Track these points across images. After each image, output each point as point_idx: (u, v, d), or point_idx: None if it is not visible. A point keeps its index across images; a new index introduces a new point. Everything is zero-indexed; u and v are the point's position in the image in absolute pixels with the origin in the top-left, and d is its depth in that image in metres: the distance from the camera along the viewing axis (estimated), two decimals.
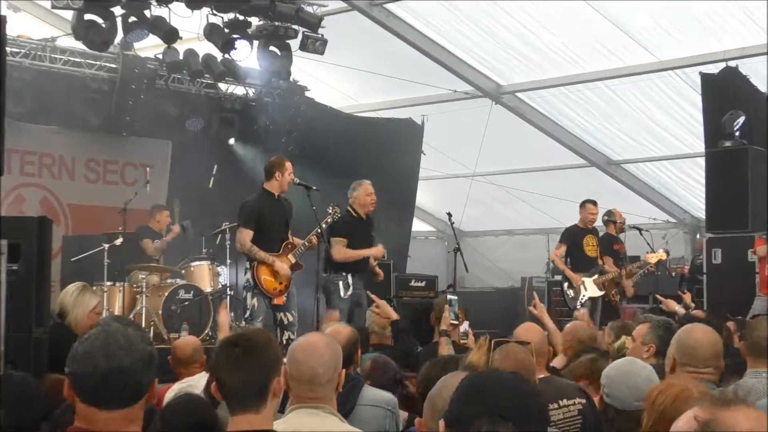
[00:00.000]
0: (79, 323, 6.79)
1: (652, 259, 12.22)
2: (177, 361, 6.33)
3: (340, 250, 10.19)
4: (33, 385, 4.69)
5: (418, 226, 18.95)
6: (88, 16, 11.69)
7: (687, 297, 10.80)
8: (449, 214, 12.03)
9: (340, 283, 10.20)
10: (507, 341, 4.95)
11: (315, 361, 3.78)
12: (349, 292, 10.24)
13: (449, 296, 6.85)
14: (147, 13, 12.01)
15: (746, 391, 4.47)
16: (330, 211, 9.74)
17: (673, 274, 15.09)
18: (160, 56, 13.31)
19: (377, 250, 10.62)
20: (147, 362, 2.90)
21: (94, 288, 11.07)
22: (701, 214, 16.02)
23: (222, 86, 14.70)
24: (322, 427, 3.74)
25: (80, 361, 2.86)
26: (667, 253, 13.18)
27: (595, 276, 12.18)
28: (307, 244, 9.58)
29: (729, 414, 2.13)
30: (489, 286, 18.93)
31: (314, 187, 9.79)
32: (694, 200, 17.05)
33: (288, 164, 9.60)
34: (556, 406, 4.90)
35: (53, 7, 11.45)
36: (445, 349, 7.00)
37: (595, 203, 12.71)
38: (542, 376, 5.12)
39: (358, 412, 4.83)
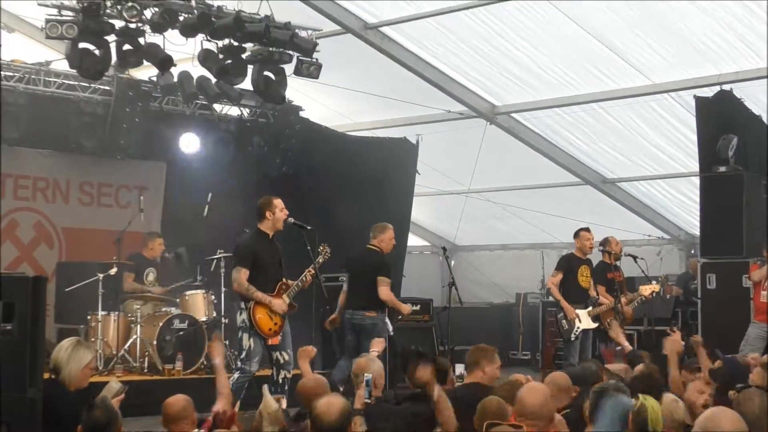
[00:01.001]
0: (73, 379, 6.74)
1: (646, 291, 12.20)
2: (167, 419, 6.29)
3: (389, 292, 10.97)
4: None
5: (413, 240, 18.94)
6: (82, 45, 11.64)
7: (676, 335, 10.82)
8: (444, 249, 12.09)
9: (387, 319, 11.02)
10: (500, 424, 4.97)
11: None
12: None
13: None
14: (141, 40, 11.95)
15: None
16: (321, 250, 9.73)
17: (668, 295, 15.14)
18: (155, 78, 13.27)
19: (407, 308, 11.46)
20: None
21: (89, 317, 11.20)
22: (695, 231, 16.04)
23: (216, 107, 14.66)
24: None
25: None
26: (666, 279, 13.19)
27: (589, 308, 12.17)
28: (300, 284, 9.57)
29: None
30: (484, 302, 18.96)
31: (309, 227, 9.79)
32: (689, 217, 17.08)
33: (277, 201, 9.55)
34: None
35: (47, 37, 11.36)
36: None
37: (588, 230, 12.63)
38: None
39: None
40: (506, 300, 18.75)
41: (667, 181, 16.51)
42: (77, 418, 5.66)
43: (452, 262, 12.48)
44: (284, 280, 9.58)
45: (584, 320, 12.07)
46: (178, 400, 6.46)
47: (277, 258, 9.58)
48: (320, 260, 9.68)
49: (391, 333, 11.19)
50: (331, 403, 5.12)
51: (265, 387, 6.46)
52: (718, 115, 13.20)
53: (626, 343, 11.25)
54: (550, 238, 18.54)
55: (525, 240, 19.38)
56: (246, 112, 14.97)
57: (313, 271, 9.51)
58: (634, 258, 12.62)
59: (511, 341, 17.83)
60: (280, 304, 9.40)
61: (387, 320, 10.95)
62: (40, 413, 6.38)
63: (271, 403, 5.57)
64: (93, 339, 11.42)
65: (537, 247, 18.97)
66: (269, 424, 4.96)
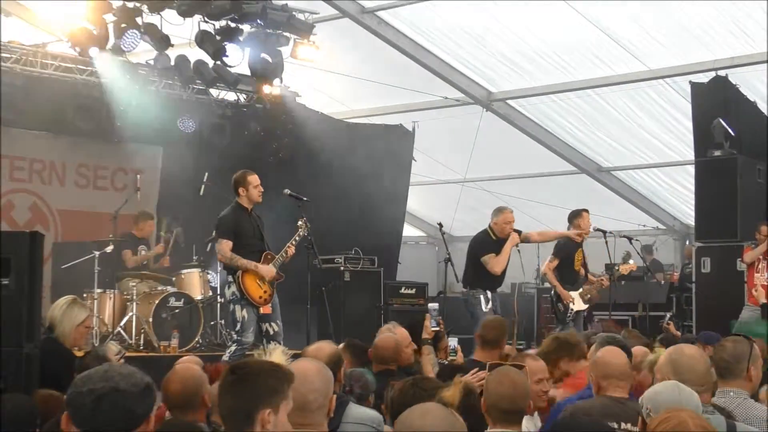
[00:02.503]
0: (67, 337, 6.78)
1: (625, 270, 12.28)
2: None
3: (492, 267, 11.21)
4: (29, 405, 4.71)
5: (408, 231, 18.97)
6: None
7: (671, 328, 10.89)
8: (440, 225, 12.05)
9: (482, 297, 11.11)
10: (502, 364, 4.98)
11: (306, 388, 3.80)
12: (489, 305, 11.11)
13: (429, 305, 6.87)
14: (139, 20, 11.99)
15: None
16: (299, 225, 9.71)
17: (662, 282, 15.18)
18: (152, 62, 13.29)
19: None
20: (143, 391, 2.93)
21: (85, 296, 11.19)
22: (690, 221, 16.07)
23: (213, 92, 14.67)
24: None
25: (78, 385, 2.90)
26: (628, 256, 13.23)
27: (580, 290, 12.19)
28: (283, 255, 9.58)
29: None
30: None
31: (305, 198, 9.80)
32: (684, 207, 17.11)
33: (251, 178, 9.50)
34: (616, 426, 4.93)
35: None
36: (428, 359, 6.97)
37: (588, 211, 12.60)
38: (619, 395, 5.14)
39: (343, 430, 4.84)
40: (501, 290, 18.69)
41: (663, 170, 16.55)
42: (73, 375, 5.68)
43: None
44: (268, 251, 9.59)
45: (577, 302, 12.12)
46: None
47: (258, 231, 9.58)
48: (300, 233, 9.65)
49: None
50: (320, 349, 5.26)
51: (280, 347, 6.42)
52: (714, 101, 13.25)
53: None
54: (545, 228, 18.52)
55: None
56: (243, 97, 14.97)
57: (294, 244, 9.53)
58: (630, 239, 12.63)
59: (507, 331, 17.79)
60: (268, 269, 9.41)
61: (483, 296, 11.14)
62: (37, 368, 6.40)
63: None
64: (92, 326, 11.39)
65: None
66: None
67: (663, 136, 15.26)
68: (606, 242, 12.39)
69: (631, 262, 12.56)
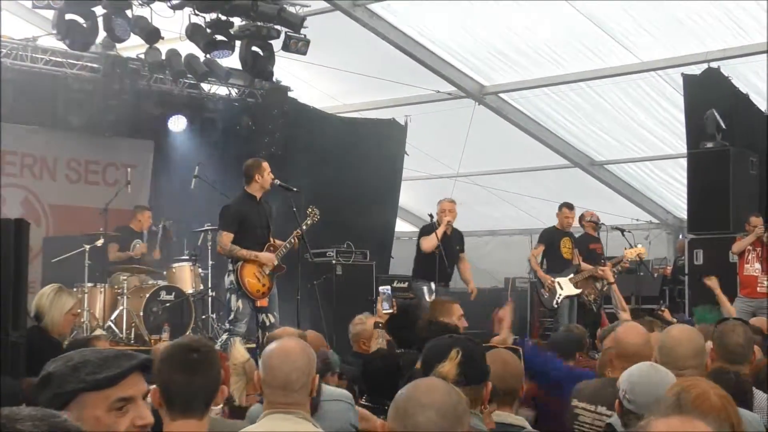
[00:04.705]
0: (56, 325, 6.76)
1: (632, 254, 12.33)
2: None
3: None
4: (13, 388, 4.68)
5: (401, 226, 18.94)
6: (69, 16, 11.60)
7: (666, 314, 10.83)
8: (431, 215, 12.11)
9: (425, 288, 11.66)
10: (495, 347, 4.97)
11: (289, 367, 3.77)
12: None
13: (380, 288, 6.85)
14: (129, 12, 11.94)
15: None
16: (309, 212, 9.74)
17: (655, 274, 15.18)
18: (143, 56, 13.24)
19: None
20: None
21: (76, 289, 11.15)
22: (684, 215, 16.05)
23: (204, 86, 14.65)
24: None
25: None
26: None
27: (571, 275, 12.29)
28: (288, 245, 9.57)
29: (657, 422, 2.14)
30: None
31: (295, 189, 9.79)
32: (677, 201, 17.09)
33: (265, 164, 9.60)
34: (591, 408, 4.90)
35: (34, 6, 11.40)
36: (375, 343, 6.94)
37: (570, 207, 12.90)
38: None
39: (324, 408, 4.88)
40: (495, 285, 18.71)
41: (656, 163, 16.54)
42: None
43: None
44: (272, 240, 9.58)
45: (566, 287, 12.22)
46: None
47: (264, 220, 9.59)
48: (308, 222, 9.67)
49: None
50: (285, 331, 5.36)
51: (237, 339, 6.43)
52: (706, 93, 13.23)
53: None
54: (538, 223, 18.47)
55: (513, 225, 19.39)
56: (234, 91, 14.95)
57: (300, 233, 9.50)
58: (622, 231, 12.70)
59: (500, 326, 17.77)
60: (269, 256, 9.40)
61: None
62: (24, 357, 6.38)
63: (240, 353, 5.28)
64: (80, 311, 11.36)
65: (525, 233, 18.94)
66: (236, 375, 4.79)
67: (655, 129, 15.24)
68: (625, 238, 12.59)
69: (639, 246, 12.60)
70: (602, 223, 13.18)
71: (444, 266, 11.65)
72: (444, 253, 11.60)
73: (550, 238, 12.75)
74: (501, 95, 15.56)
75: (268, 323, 9.46)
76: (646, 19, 12.91)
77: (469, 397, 3.49)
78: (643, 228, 17.69)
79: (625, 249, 12.48)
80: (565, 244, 12.61)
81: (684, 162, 14.32)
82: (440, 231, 11.60)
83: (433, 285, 11.51)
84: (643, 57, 13.65)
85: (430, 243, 11.58)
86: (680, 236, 17.46)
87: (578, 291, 12.28)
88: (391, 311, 7.03)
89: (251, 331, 9.84)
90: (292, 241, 9.57)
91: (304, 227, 9.59)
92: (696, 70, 13.27)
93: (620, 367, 5.05)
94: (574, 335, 7.72)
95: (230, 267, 9.45)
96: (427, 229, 11.94)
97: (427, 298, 11.21)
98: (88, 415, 2.58)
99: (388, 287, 7.15)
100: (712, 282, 10.70)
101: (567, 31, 13.55)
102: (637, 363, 4.88)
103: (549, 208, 16.52)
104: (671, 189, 17.02)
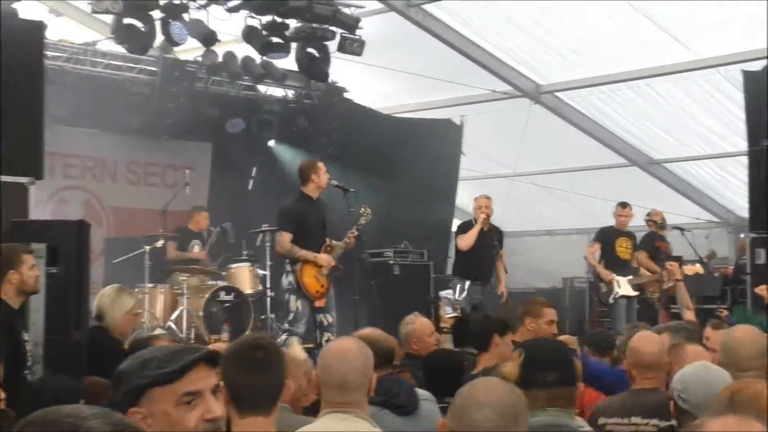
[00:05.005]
0: (117, 325, 6.84)
1: (689, 271, 12.15)
2: None
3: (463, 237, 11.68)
4: (72, 387, 4.75)
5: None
6: (127, 21, 11.77)
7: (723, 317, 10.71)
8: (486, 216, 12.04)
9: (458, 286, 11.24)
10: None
11: (345, 367, 3.78)
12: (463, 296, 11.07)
13: (441, 292, 6.84)
14: (185, 16, 12.08)
15: None
16: (362, 212, 9.75)
17: (716, 274, 14.99)
18: (200, 59, 13.39)
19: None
20: None
21: (137, 290, 11.29)
22: (745, 214, 15.81)
23: (261, 88, 14.79)
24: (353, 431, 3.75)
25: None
26: (713, 254, 13.06)
27: (630, 276, 12.14)
28: (344, 246, 9.61)
29: (712, 421, 2.12)
30: (530, 287, 18.80)
31: (351, 189, 9.82)
32: (738, 199, 16.83)
33: (320, 165, 9.65)
34: (625, 421, 4.87)
35: (93, 12, 11.56)
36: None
37: (624, 206, 12.73)
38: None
39: (420, 408, 5.01)
40: (553, 285, 18.62)
41: (716, 161, 16.32)
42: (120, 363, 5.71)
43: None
44: (329, 241, 9.62)
45: (624, 286, 12.09)
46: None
47: (321, 220, 9.64)
48: (362, 221, 9.70)
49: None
50: (369, 335, 5.33)
51: (295, 339, 6.49)
52: (766, 89, 13.02)
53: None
54: (596, 223, 18.32)
55: (571, 225, 19.23)
56: (290, 93, 15.05)
57: (356, 233, 9.53)
58: (681, 230, 12.57)
59: (558, 326, 17.68)
60: (327, 258, 9.44)
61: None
62: (85, 356, 6.48)
63: (298, 353, 5.33)
64: (140, 311, 11.50)
65: (583, 233, 18.81)
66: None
67: (715, 126, 15.03)
68: (685, 237, 12.50)
69: (697, 265, 12.41)
70: (669, 225, 13.02)
71: (484, 266, 11.53)
72: (481, 251, 11.45)
73: (606, 237, 12.60)
74: (557, 94, 15.46)
75: (326, 323, 9.51)
76: (703, 15, 12.75)
77: (563, 398, 3.67)
78: (704, 227, 17.46)
79: (684, 266, 12.34)
80: (621, 243, 12.45)
81: (744, 160, 14.10)
82: (476, 228, 11.47)
83: (467, 284, 11.24)
84: (701, 54, 13.48)
85: (466, 241, 11.46)
86: (741, 235, 17.22)
87: (635, 293, 12.12)
88: (454, 315, 7.05)
89: (309, 331, 9.88)
90: (347, 241, 9.59)
91: (359, 227, 9.61)
92: (756, 66, 13.06)
93: (639, 377, 5.05)
94: (606, 333, 7.78)
95: (288, 267, 9.51)
96: (464, 227, 11.82)
97: (457, 296, 11.06)
98: (158, 410, 2.62)
99: (450, 291, 7.17)
100: (763, 291, 10.48)
101: (623, 28, 13.42)
102: (656, 372, 4.90)
103: (607, 207, 16.35)
104: (732, 187, 16.77)
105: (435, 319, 7.69)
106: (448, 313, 6.98)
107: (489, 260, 11.58)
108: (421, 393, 5.18)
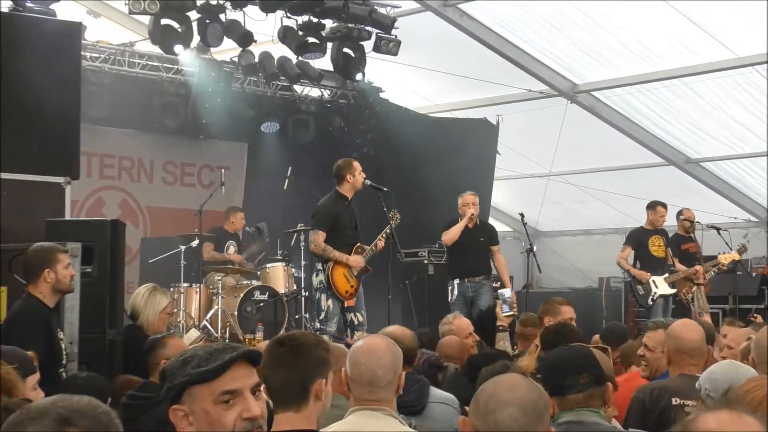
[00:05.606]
0: (151, 324, 6.89)
1: (726, 260, 12.07)
2: None
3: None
4: (100, 385, 4.79)
5: (494, 226, 18.83)
6: (164, 21, 11.89)
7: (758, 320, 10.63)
8: (522, 215, 12.03)
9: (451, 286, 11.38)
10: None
11: (375, 364, 3.80)
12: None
13: (500, 290, 6.88)
14: (222, 17, 12.16)
15: None
16: (391, 215, 9.76)
17: (754, 274, 14.85)
18: (236, 59, 13.46)
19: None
20: None
21: (172, 289, 11.38)
22: None
23: (297, 88, 14.84)
24: (382, 429, 3.76)
25: None
26: (744, 248, 12.92)
27: (666, 275, 12.08)
28: (374, 249, 9.63)
29: (705, 416, 2.11)
30: (566, 287, 18.75)
31: (385, 189, 9.84)
32: None
33: (356, 164, 9.69)
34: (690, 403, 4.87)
35: (131, 12, 11.64)
36: (502, 346, 6.97)
37: (665, 206, 12.64)
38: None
39: (429, 409, 4.99)
40: (589, 285, 18.54)
41: (754, 161, 16.15)
42: None
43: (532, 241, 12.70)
44: (360, 243, 9.65)
45: (661, 286, 12.03)
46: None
47: (354, 221, 9.67)
48: (392, 224, 9.70)
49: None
50: (394, 332, 5.37)
51: (192, 329, 6.52)
52: None
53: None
54: (633, 222, 18.22)
55: (607, 225, 19.13)
56: (326, 93, 15.09)
57: (385, 237, 9.56)
58: (718, 230, 12.47)
59: (594, 326, 17.54)
60: (358, 259, 9.47)
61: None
62: (120, 355, 6.53)
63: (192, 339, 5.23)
64: (176, 310, 11.58)
65: (620, 232, 18.68)
66: None
67: (754, 126, 14.88)
68: (722, 237, 12.39)
69: (733, 251, 12.33)
70: (697, 222, 12.93)
71: (473, 263, 11.40)
72: (468, 248, 11.35)
73: (637, 239, 12.53)
74: (593, 93, 15.37)
75: (356, 322, 9.55)
76: (740, 13, 12.64)
77: (597, 397, 3.75)
78: (742, 226, 17.29)
79: (720, 254, 12.24)
80: (654, 242, 12.39)
81: None
82: (461, 225, 11.36)
83: (456, 282, 11.22)
84: (739, 52, 13.36)
85: (449, 236, 11.36)
86: None
87: (673, 291, 12.07)
88: (511, 314, 7.07)
89: (340, 330, 9.91)
90: (377, 244, 9.62)
91: (388, 230, 9.62)
92: None
93: (681, 363, 5.04)
94: (619, 328, 7.83)
95: (319, 267, 9.55)
96: (449, 224, 11.71)
97: (449, 298, 11.09)
98: (198, 408, 2.67)
99: (508, 290, 7.19)
100: None
101: (660, 27, 13.33)
102: (698, 359, 4.90)
103: (644, 207, 16.33)
104: None
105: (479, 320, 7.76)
106: (504, 311, 6.96)
107: (479, 256, 11.49)
108: (441, 395, 5.17)
